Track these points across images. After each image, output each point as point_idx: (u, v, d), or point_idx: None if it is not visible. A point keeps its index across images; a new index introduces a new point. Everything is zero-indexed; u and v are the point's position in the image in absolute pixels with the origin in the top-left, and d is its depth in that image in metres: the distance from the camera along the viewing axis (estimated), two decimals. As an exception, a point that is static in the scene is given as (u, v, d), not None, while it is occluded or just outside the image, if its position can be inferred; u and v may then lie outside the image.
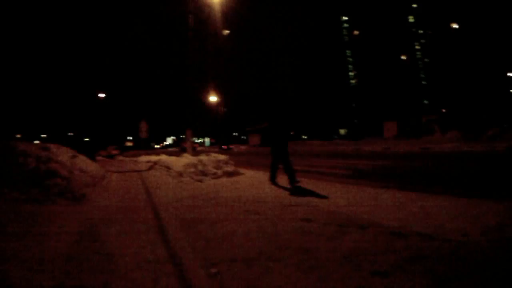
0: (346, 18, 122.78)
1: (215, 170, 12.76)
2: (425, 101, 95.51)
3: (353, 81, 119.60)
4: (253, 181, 11.30)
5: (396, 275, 3.22)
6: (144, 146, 48.29)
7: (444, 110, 69.25)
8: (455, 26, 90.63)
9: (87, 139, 60.93)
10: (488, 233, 4.40)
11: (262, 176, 12.45)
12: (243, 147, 69.73)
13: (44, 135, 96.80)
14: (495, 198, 6.80)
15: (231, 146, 74.69)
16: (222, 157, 13.95)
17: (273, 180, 10.45)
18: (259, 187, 9.79)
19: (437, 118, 50.38)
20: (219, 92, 73.36)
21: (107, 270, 3.67)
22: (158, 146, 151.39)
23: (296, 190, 8.87)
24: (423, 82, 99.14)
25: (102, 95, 60.16)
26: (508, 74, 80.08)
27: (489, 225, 4.81)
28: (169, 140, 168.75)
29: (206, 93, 70.18)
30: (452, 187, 8.71)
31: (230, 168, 13.22)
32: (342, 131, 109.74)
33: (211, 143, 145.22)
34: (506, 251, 3.84)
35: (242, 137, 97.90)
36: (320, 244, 4.24)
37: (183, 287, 3.23)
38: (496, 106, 73.42)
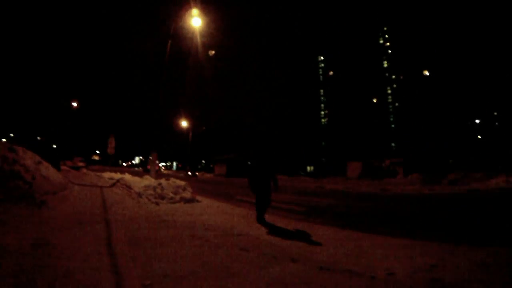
0: (322, 58, 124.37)
1: (172, 195, 13.14)
2: (393, 144, 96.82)
3: (324, 120, 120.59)
4: (208, 209, 11.65)
5: None
6: (111, 162, 47.72)
7: (409, 154, 70.54)
8: (426, 73, 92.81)
9: (54, 146, 59.79)
10: (416, 273, 4.85)
11: (217, 205, 12.98)
12: (208, 175, 69.58)
13: (12, 134, 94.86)
14: (438, 240, 7.30)
15: (197, 173, 74.37)
16: (181, 183, 14.35)
17: (261, 219, 9.71)
18: (211, 215, 10.21)
19: (401, 161, 51.27)
20: (190, 118, 73.49)
21: (55, 271, 4.25)
22: (125, 164, 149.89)
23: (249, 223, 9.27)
24: (392, 126, 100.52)
25: (75, 104, 59.29)
26: (476, 120, 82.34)
27: (420, 265, 5.27)
28: (136, 159, 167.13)
29: (177, 118, 70.14)
30: (398, 228, 9.22)
31: (187, 195, 13.57)
32: (309, 168, 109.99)
33: (178, 168, 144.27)
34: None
35: (211, 165, 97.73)
36: (250, 271, 4.76)
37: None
38: (461, 152, 75.24)
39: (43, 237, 6.02)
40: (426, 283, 4.49)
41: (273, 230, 8.26)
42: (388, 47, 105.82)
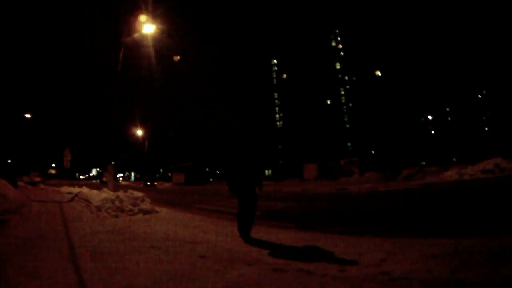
0: (275, 61, 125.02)
1: (131, 207, 13.21)
2: (348, 144, 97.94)
3: (279, 123, 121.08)
4: (167, 219, 11.78)
5: None
6: (68, 176, 47.02)
7: (364, 153, 71.58)
8: (378, 73, 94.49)
9: (9, 161, 58.25)
10: (366, 268, 5.19)
11: (176, 215, 13.20)
12: (167, 184, 68.93)
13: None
14: (390, 234, 7.70)
15: (156, 183, 73.59)
16: (139, 194, 14.39)
17: (246, 234, 8.32)
18: (170, 225, 10.36)
19: (356, 160, 52.03)
20: (146, 127, 72.61)
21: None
22: (83, 177, 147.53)
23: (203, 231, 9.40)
24: (347, 126, 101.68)
25: (28, 116, 57.62)
26: (429, 117, 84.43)
27: (370, 261, 5.61)
28: (94, 171, 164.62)
29: (133, 127, 69.22)
30: (353, 226, 9.61)
31: (146, 206, 13.66)
32: (267, 172, 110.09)
33: (136, 178, 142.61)
34: (375, 283, 4.58)
35: (169, 173, 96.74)
36: (208, 276, 5.02)
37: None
38: (416, 147, 77.01)
39: (8, 257, 6.19)
40: (375, 277, 4.77)
41: (233, 236, 8.46)
42: (340, 49, 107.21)
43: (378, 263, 5.49)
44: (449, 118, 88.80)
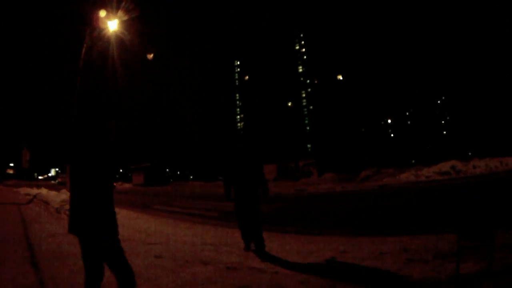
0: (238, 62, 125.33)
1: (90, 209, 13.23)
2: (308, 146, 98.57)
3: (240, 124, 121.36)
4: (124, 221, 11.60)
5: None
6: (26, 176, 45.99)
7: (323, 154, 72.28)
8: (340, 77, 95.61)
9: None
10: (314, 267, 5.43)
11: (134, 216, 13.28)
12: (127, 185, 68.15)
13: None
14: (343, 233, 8.04)
15: (115, 184, 72.43)
16: None
17: (248, 243, 7.09)
18: (127, 227, 10.34)
19: (315, 162, 52.42)
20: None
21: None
22: (41, 177, 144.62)
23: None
24: (307, 128, 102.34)
25: None
26: (389, 120, 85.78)
27: (321, 259, 5.87)
28: (53, 172, 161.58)
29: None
30: (308, 225, 9.89)
31: (104, 207, 13.69)
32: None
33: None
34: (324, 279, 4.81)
35: (129, 174, 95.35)
36: (163, 276, 5.15)
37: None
38: (375, 149, 78.11)
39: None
40: (325, 272, 5.07)
41: (196, 238, 8.54)
42: (304, 53, 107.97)
43: (329, 259, 5.82)
44: (409, 122, 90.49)
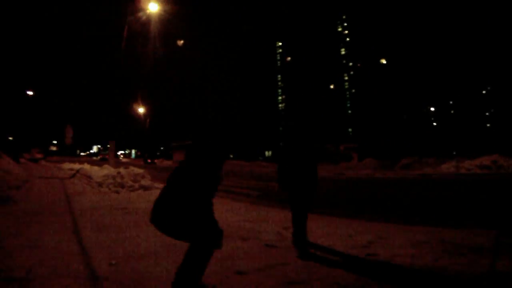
0: (280, 44, 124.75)
1: (132, 183, 13.53)
2: (349, 129, 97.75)
3: (281, 105, 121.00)
4: None
5: (254, 274, 4.37)
6: (69, 152, 46.92)
7: (364, 139, 71.63)
8: (383, 61, 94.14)
9: (10, 138, 57.86)
10: (353, 249, 5.43)
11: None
12: (168, 162, 68.59)
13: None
14: (381, 220, 8.00)
15: (156, 161, 73.39)
16: (139, 171, 14.62)
17: (300, 241, 5.55)
18: None
19: (356, 146, 52.05)
20: (148, 105, 72.04)
21: (31, 259, 4.77)
22: (83, 154, 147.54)
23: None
24: (349, 111, 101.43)
25: (30, 93, 56.93)
26: (432, 108, 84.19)
27: (358, 242, 5.86)
28: (94, 148, 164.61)
29: (134, 104, 68.83)
30: (347, 209, 9.83)
31: (146, 182, 13.97)
32: (267, 153, 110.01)
33: (137, 155, 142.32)
34: (360, 262, 4.90)
35: (170, 151, 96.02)
36: None
37: (88, 272, 4.37)
38: (416, 138, 76.94)
39: (14, 230, 6.49)
40: (362, 257, 5.08)
41: (237, 216, 8.57)
42: (346, 35, 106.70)
43: (366, 244, 5.75)
44: (452, 111, 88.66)
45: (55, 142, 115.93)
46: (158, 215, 3.51)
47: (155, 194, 11.88)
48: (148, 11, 21.24)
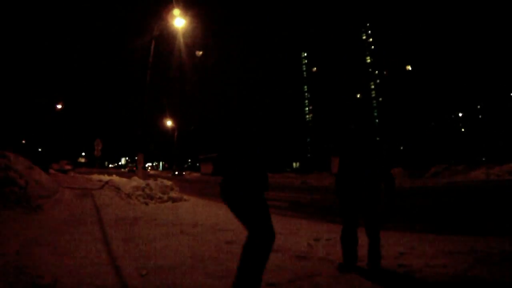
0: (305, 54, 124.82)
1: (160, 195, 13.56)
2: (377, 138, 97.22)
3: (308, 116, 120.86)
4: (195, 208, 12.05)
5: (285, 286, 4.40)
6: (97, 164, 47.37)
7: (392, 148, 71.21)
8: (409, 68, 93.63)
9: (40, 150, 58.76)
10: (385, 259, 5.28)
11: (203, 203, 13.47)
12: (195, 174, 68.98)
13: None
14: (413, 230, 7.97)
15: (183, 173, 74.17)
16: (168, 183, 14.72)
17: (350, 258, 5.11)
18: (197, 213, 10.63)
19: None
20: (176, 118, 72.88)
21: (59, 268, 4.81)
22: (112, 166, 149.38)
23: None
24: (376, 120, 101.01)
25: (59, 106, 57.89)
26: (459, 114, 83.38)
27: (390, 253, 5.78)
28: (123, 161, 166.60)
29: (163, 117, 69.64)
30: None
31: (175, 194, 14.01)
32: (294, 164, 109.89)
33: (164, 168, 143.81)
34: (393, 274, 4.87)
35: (197, 164, 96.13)
36: (234, 260, 5.19)
37: (119, 282, 4.39)
38: (445, 145, 76.21)
39: (45, 238, 6.56)
40: (393, 268, 5.04)
41: None
42: (371, 43, 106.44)
43: (397, 255, 5.69)
44: (480, 116, 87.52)
45: (83, 154, 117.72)
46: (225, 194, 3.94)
47: (184, 206, 12.04)
48: (174, 26, 21.50)
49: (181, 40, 23.34)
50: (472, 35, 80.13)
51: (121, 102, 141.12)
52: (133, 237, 6.94)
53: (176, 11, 20.57)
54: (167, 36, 22.57)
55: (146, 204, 12.65)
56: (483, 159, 62.95)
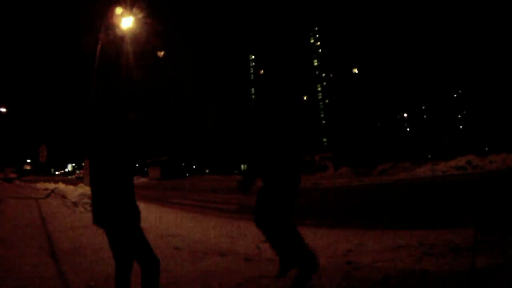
0: (253, 57, 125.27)
1: (109, 202, 13.39)
2: (324, 139, 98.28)
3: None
4: (143, 213, 11.94)
5: None
6: (43, 171, 46.20)
7: (339, 148, 72.16)
8: (355, 70, 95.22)
9: None
10: (334, 258, 5.44)
11: (152, 209, 13.29)
12: (143, 179, 68.42)
13: None
14: (359, 226, 8.06)
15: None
16: None
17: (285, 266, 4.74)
18: (145, 219, 10.51)
19: (331, 156, 52.28)
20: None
21: (6, 283, 4.69)
22: (58, 173, 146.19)
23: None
24: (323, 122, 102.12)
25: (3, 110, 56.01)
26: (405, 114, 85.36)
27: (338, 251, 5.90)
28: (69, 167, 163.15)
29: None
30: (325, 219, 10.00)
31: (123, 201, 13.85)
32: (243, 167, 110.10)
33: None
34: (340, 271, 4.87)
35: (145, 168, 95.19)
36: (184, 266, 5.28)
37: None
38: (390, 144, 77.79)
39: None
40: (342, 266, 5.07)
41: (214, 231, 8.60)
42: (319, 47, 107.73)
43: (346, 253, 5.79)
44: (425, 116, 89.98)
45: (29, 160, 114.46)
46: None
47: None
48: (122, 27, 21.02)
49: (128, 40, 22.92)
50: (415, 39, 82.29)
51: (67, 105, 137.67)
52: (80, 247, 6.79)
53: (119, 10, 20.04)
54: (115, 36, 22.11)
55: (93, 211, 12.43)
56: (429, 156, 64.50)
